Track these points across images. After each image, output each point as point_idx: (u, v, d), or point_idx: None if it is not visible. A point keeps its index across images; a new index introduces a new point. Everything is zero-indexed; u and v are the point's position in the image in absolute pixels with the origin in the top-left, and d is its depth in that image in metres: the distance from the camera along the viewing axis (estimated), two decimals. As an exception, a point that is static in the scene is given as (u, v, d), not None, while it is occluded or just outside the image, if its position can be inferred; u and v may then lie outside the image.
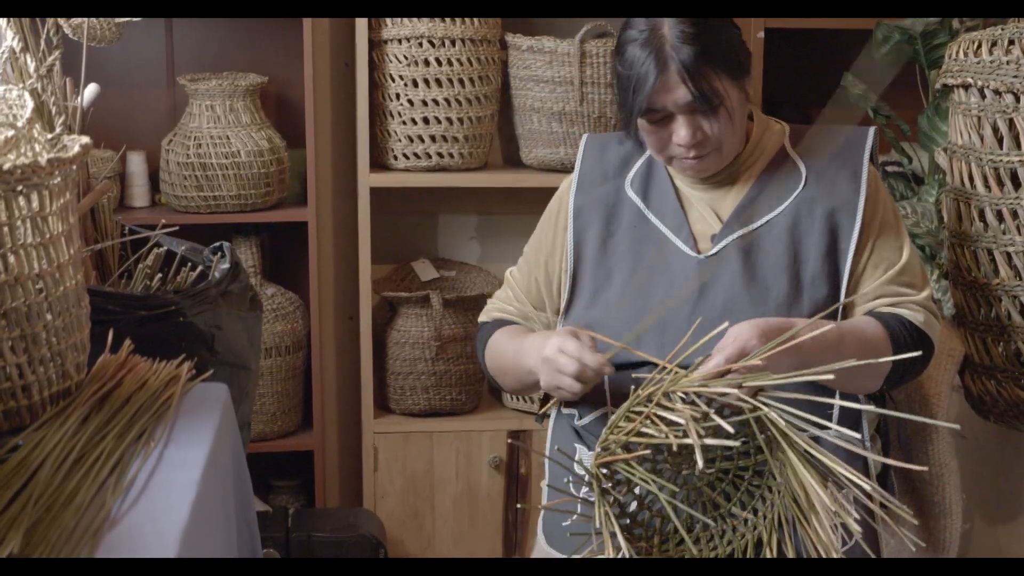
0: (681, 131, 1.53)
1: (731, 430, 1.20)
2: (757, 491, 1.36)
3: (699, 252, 1.60)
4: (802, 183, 1.59)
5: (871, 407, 1.35)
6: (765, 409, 1.29)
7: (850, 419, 1.57)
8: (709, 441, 1.21)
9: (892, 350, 1.52)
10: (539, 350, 1.50)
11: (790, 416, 1.28)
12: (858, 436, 1.55)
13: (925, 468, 1.79)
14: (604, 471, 1.31)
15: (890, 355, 1.51)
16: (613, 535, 1.24)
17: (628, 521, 1.34)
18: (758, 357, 1.34)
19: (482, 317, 1.75)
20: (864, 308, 1.58)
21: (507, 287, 1.74)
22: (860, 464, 1.51)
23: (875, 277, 1.58)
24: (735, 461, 1.37)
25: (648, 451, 1.29)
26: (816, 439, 1.34)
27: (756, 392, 1.32)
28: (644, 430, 1.26)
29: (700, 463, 1.16)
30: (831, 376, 1.27)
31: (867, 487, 1.26)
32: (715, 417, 1.23)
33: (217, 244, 1.81)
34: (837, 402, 1.32)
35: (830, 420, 1.50)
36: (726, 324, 1.41)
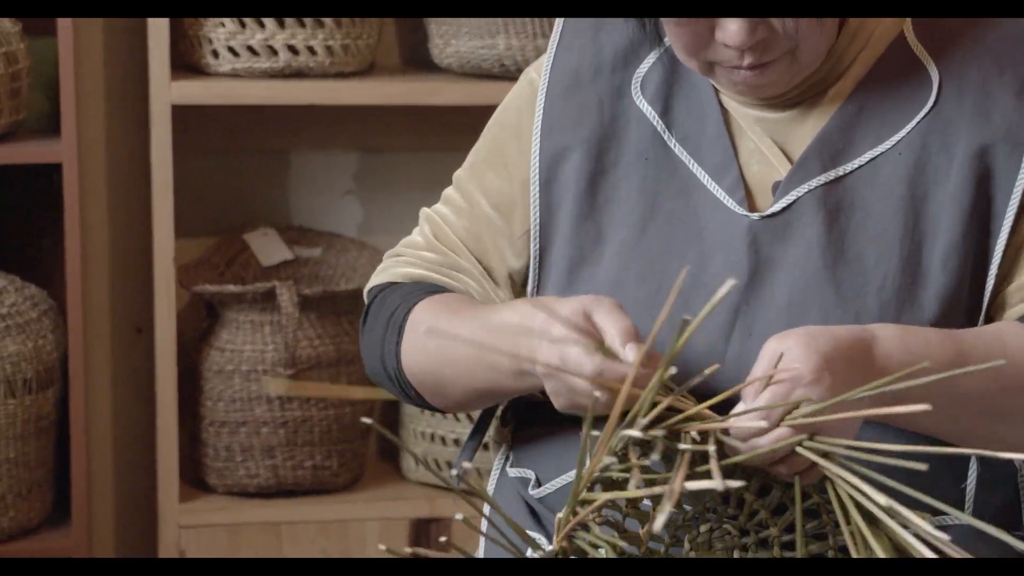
0: (730, 26, 1.53)
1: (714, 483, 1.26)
2: None
3: (753, 209, 1.60)
4: (932, 98, 1.60)
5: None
6: (839, 475, 1.36)
7: (993, 501, 1.59)
8: (695, 484, 1.27)
9: None
10: (530, 325, 1.51)
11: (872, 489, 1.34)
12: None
13: None
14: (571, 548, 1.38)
15: None
16: None
17: None
18: (816, 414, 1.39)
19: (379, 278, 1.77)
20: (1016, 312, 1.59)
21: (425, 231, 1.76)
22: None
23: None
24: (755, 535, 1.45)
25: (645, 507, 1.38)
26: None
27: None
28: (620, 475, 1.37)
29: (658, 524, 1.22)
30: (925, 407, 1.30)
31: None
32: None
33: None
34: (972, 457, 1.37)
35: (961, 497, 1.55)
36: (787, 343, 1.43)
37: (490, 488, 1.72)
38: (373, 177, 2.95)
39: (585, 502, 1.36)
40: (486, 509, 1.66)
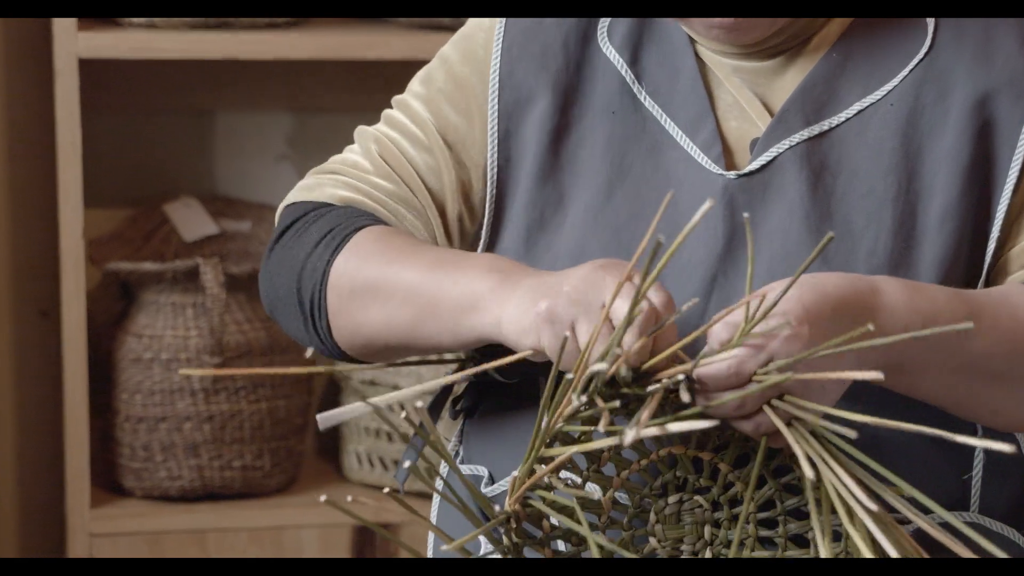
0: None
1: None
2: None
3: (731, 168, 1.61)
4: (927, 43, 1.62)
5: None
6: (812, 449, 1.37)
7: (1002, 495, 1.62)
8: (678, 426, 1.32)
9: None
10: (516, 275, 1.53)
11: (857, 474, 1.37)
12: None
13: None
14: (525, 511, 1.44)
15: None
16: None
17: None
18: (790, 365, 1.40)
19: (308, 195, 1.74)
20: (1019, 277, 1.60)
21: (372, 151, 1.74)
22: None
23: None
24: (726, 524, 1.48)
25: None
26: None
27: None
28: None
29: (627, 437, 1.30)
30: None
31: None
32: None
33: None
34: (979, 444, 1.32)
35: (967, 490, 1.59)
36: (768, 291, 1.44)
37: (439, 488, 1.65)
38: (309, 141, 2.96)
39: (543, 459, 1.39)
40: (435, 501, 1.73)
